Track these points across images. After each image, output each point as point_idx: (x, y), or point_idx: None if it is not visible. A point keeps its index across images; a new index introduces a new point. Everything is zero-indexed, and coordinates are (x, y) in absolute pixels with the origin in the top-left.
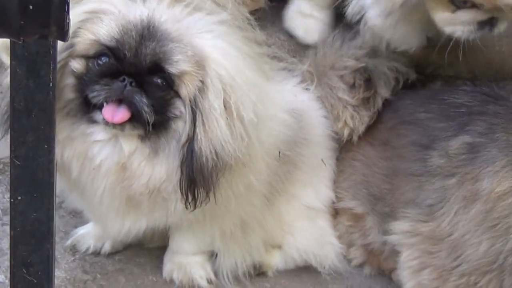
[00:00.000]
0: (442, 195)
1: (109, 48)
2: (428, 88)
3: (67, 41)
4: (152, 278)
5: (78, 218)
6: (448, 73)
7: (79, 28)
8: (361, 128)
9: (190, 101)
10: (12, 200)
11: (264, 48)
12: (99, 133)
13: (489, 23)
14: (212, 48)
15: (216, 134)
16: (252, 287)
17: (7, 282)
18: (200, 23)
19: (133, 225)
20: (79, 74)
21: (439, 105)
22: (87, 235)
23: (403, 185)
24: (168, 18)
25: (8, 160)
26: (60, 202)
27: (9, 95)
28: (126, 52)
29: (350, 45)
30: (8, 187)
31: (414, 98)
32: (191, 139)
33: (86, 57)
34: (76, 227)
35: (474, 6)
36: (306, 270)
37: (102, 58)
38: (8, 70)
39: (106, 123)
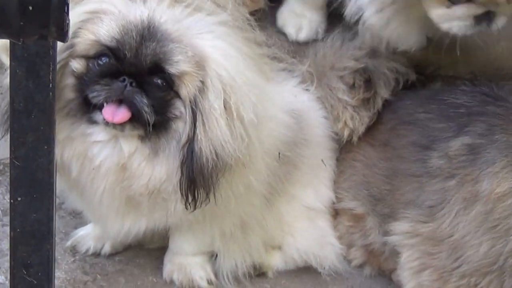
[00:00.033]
0: (443, 196)
1: (109, 48)
2: (428, 88)
3: (67, 41)
4: (152, 279)
5: (78, 219)
6: (448, 73)
7: (80, 28)
8: (361, 129)
9: (190, 101)
10: (12, 201)
11: (264, 48)
12: (99, 133)
13: (486, 18)
14: (212, 49)
15: (216, 134)
16: (252, 287)
17: (7, 283)
18: (200, 24)
19: (133, 225)
20: (79, 74)
21: (439, 105)
22: (87, 236)
23: (403, 186)
24: (168, 19)
25: (8, 161)
26: (60, 203)
27: (9, 96)
28: (126, 52)
29: (350, 46)
30: (8, 188)
31: (414, 98)
32: (191, 139)
33: (87, 57)
34: (76, 228)
35: (469, 0)
36: (306, 270)
37: (102, 58)
38: (8, 71)
39: (106, 123)
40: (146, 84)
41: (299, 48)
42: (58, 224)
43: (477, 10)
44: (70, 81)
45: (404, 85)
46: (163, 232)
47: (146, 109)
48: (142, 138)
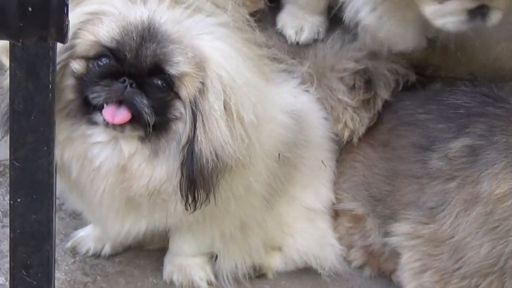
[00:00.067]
0: (443, 198)
1: (109, 49)
2: (428, 89)
3: (66, 43)
4: (152, 280)
5: (78, 220)
6: (448, 74)
7: (80, 29)
8: (361, 130)
9: (190, 102)
10: (11, 202)
11: (264, 49)
12: (99, 134)
13: (480, 12)
14: (212, 50)
15: (216, 135)
16: None
17: (8, 284)
18: (200, 25)
19: (132, 226)
20: (80, 75)
21: (439, 106)
22: (87, 237)
23: (403, 187)
24: (168, 20)
25: (8, 162)
26: (60, 204)
27: (8, 97)
28: (127, 53)
29: (350, 47)
30: (8, 189)
31: (414, 99)
32: (191, 140)
33: (87, 58)
34: (76, 229)
35: None
36: (306, 271)
37: (103, 59)
38: (8, 72)
39: (106, 124)
40: (146, 85)
41: (299, 49)
42: (58, 225)
43: (470, 4)
44: (70, 82)
45: (404, 86)
46: (163, 233)
47: (146, 110)
48: (142, 139)
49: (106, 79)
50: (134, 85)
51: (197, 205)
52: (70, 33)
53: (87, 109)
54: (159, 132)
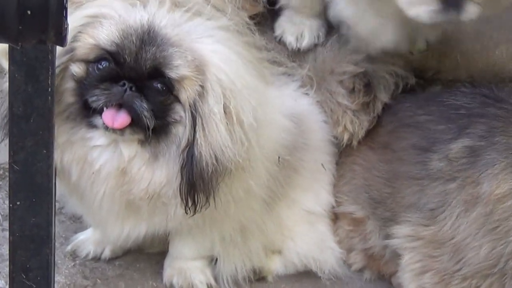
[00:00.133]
0: (444, 199)
1: (109, 52)
2: (428, 92)
3: (65, 46)
4: (152, 284)
5: (78, 223)
6: (448, 77)
7: (80, 32)
8: (361, 133)
9: (190, 105)
10: (11, 205)
11: (263, 53)
12: (99, 138)
13: (454, 4)
14: (212, 53)
15: (216, 138)
16: None
17: (8, 287)
18: (200, 28)
19: (132, 229)
20: (79, 78)
21: (439, 107)
22: (87, 240)
23: (403, 189)
24: (168, 23)
25: (8, 165)
26: (60, 207)
27: (7, 100)
28: (126, 57)
29: (349, 50)
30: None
31: (414, 100)
32: (191, 143)
33: (86, 62)
34: (76, 232)
35: None
36: (306, 275)
37: (102, 63)
38: (7, 75)
39: (106, 127)
40: (145, 88)
41: (298, 53)
42: (58, 228)
43: None
44: (70, 85)
45: (403, 89)
46: (163, 236)
47: (146, 113)
48: (142, 143)
49: (105, 82)
50: (133, 89)
51: (197, 208)
52: (69, 36)
53: (87, 113)
54: (159, 135)
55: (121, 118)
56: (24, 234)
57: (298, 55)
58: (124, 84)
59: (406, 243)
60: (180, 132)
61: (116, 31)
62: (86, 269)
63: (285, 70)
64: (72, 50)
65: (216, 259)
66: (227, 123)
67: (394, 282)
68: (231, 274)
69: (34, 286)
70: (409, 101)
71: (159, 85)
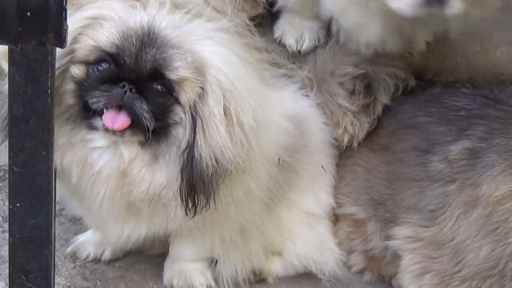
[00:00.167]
0: (443, 200)
1: (109, 54)
2: (428, 93)
3: (65, 47)
4: (153, 285)
5: (78, 225)
6: (448, 79)
7: (80, 34)
8: (361, 135)
9: (190, 107)
10: (10, 206)
11: (263, 54)
12: (99, 139)
13: None
14: (212, 55)
15: (216, 140)
16: None
17: None
18: (200, 30)
19: (133, 231)
20: (79, 80)
21: (439, 108)
22: (87, 242)
23: (404, 190)
24: (168, 25)
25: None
26: (61, 209)
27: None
28: (126, 58)
29: (349, 52)
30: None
31: (414, 102)
32: (191, 145)
33: (86, 63)
34: (76, 234)
35: None
36: (306, 276)
37: (102, 64)
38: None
39: (106, 129)
40: (145, 90)
41: (298, 55)
42: (58, 230)
43: None
44: (70, 86)
45: (403, 91)
46: (163, 238)
47: (146, 115)
48: (142, 144)
49: (105, 84)
50: (133, 90)
51: (197, 210)
52: (70, 38)
53: (87, 114)
54: (159, 137)
55: (121, 120)
56: (24, 235)
57: (298, 56)
58: (124, 86)
59: (406, 244)
60: (180, 133)
61: (116, 33)
62: (86, 270)
63: (285, 71)
64: (72, 51)
65: (216, 261)
66: (227, 125)
67: (394, 283)
68: (231, 275)
69: None
70: (409, 102)
71: (159, 87)
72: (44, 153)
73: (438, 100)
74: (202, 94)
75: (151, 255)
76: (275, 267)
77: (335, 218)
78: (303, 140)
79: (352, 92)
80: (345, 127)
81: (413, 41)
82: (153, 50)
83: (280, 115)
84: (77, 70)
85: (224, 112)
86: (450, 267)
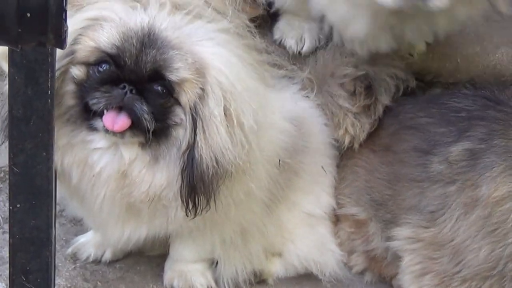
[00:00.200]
0: (444, 201)
1: (109, 55)
2: (428, 94)
3: (65, 48)
4: (153, 286)
5: (78, 226)
6: (448, 80)
7: (80, 35)
8: (362, 136)
9: (190, 108)
10: (11, 207)
11: (264, 55)
12: (99, 140)
13: None
14: (212, 56)
15: (216, 141)
16: None
17: None
18: (201, 31)
19: (133, 232)
20: (80, 81)
21: (440, 109)
22: (87, 243)
23: (404, 191)
24: (168, 26)
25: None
26: (61, 210)
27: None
28: (127, 60)
29: (350, 53)
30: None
31: (414, 102)
32: (191, 146)
33: (87, 64)
34: (76, 235)
35: None
36: (306, 277)
37: (103, 65)
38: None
39: (106, 130)
40: (146, 91)
41: (299, 56)
42: (59, 231)
43: None
44: (70, 87)
45: (404, 92)
46: (163, 239)
47: (146, 116)
48: (143, 145)
49: (106, 85)
50: (134, 91)
51: (198, 211)
52: (70, 39)
53: (87, 115)
54: (159, 138)
55: (121, 121)
56: (24, 236)
57: (298, 58)
58: (124, 87)
59: (406, 245)
60: (181, 134)
61: (116, 34)
62: (87, 271)
63: (285, 72)
64: (72, 52)
65: (217, 262)
66: (227, 126)
67: (394, 284)
68: (231, 276)
69: None
70: (410, 103)
71: (159, 88)
72: (44, 154)
73: (438, 101)
74: (202, 95)
75: (151, 256)
76: (276, 268)
77: (336, 219)
78: (304, 141)
79: (353, 93)
80: (346, 128)
81: (406, 41)
82: (154, 51)
83: (280, 116)
84: (77, 71)
85: (224, 113)
86: (450, 267)
